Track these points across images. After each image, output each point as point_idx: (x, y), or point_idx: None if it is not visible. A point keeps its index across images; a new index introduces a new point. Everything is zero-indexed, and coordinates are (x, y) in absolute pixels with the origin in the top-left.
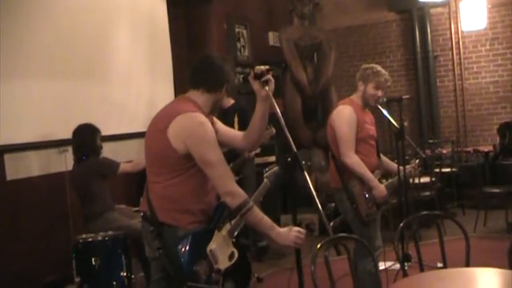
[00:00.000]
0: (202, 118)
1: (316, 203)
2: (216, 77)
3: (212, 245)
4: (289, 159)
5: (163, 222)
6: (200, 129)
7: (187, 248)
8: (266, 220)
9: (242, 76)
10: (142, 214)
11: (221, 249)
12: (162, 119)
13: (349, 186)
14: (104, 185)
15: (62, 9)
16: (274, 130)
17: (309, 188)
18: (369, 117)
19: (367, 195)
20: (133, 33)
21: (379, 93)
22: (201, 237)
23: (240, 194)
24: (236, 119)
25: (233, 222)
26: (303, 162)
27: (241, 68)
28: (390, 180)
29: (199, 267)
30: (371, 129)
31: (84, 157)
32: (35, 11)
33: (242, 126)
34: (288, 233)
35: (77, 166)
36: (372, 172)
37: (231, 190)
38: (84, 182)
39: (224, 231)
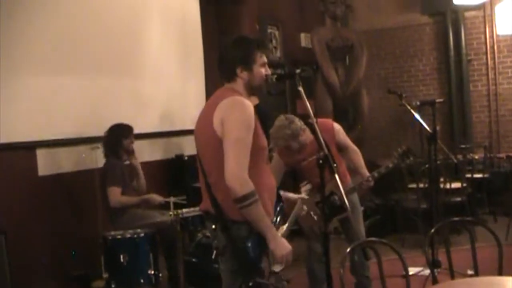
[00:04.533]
0: (243, 100)
1: (345, 206)
2: (225, 66)
3: None
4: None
5: (231, 219)
6: (238, 107)
7: (256, 244)
8: (267, 217)
9: (274, 76)
10: (203, 213)
11: None
12: (207, 112)
13: None
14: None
15: (95, 5)
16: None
17: (339, 190)
18: None
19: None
20: (165, 30)
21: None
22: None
23: (249, 184)
24: None
25: (286, 225)
26: (335, 165)
27: (273, 69)
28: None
29: (264, 264)
30: None
31: (108, 156)
32: (68, 7)
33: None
34: (285, 245)
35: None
36: None
37: (242, 175)
38: (103, 183)
39: (280, 232)
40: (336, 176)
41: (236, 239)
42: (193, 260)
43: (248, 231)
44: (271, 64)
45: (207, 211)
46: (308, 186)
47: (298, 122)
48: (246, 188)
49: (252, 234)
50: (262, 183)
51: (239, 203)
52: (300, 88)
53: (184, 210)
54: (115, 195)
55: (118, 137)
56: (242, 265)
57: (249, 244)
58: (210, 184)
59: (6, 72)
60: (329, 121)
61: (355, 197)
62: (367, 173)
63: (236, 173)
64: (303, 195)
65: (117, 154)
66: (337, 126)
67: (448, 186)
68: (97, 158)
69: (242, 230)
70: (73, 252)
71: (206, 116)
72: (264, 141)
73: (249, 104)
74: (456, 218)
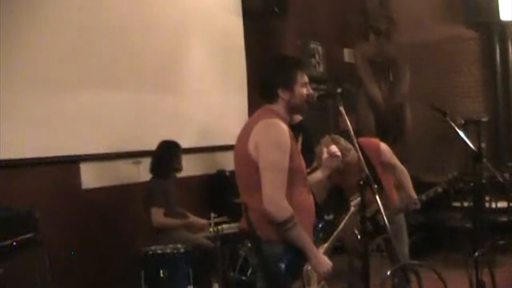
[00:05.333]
0: (277, 122)
1: (387, 226)
2: (266, 88)
3: (309, 265)
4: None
5: (264, 238)
6: (272, 131)
7: (287, 264)
8: (307, 237)
9: (316, 95)
10: (240, 230)
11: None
12: (243, 134)
13: None
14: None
15: (138, 23)
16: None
17: (380, 211)
18: None
19: None
20: (208, 46)
21: None
22: (300, 255)
23: (287, 208)
24: (300, 139)
25: (327, 244)
26: (375, 186)
27: (316, 84)
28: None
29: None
30: None
31: (156, 172)
32: (113, 25)
33: (305, 147)
34: (325, 262)
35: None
36: None
37: (279, 200)
38: (146, 201)
39: (321, 250)
40: (377, 197)
41: (267, 260)
42: (243, 278)
43: (282, 250)
44: (314, 80)
45: (243, 228)
46: (358, 200)
47: (344, 143)
48: (284, 214)
49: (285, 255)
50: (299, 204)
51: (280, 227)
52: (341, 108)
53: (225, 226)
54: (158, 216)
55: (168, 155)
56: (271, 286)
57: (280, 265)
58: (245, 202)
59: (49, 87)
60: (375, 140)
61: (401, 217)
62: (414, 195)
63: (273, 198)
64: (352, 208)
65: (164, 173)
66: (383, 146)
67: (494, 205)
68: (139, 172)
69: (275, 249)
70: (72, 253)
71: (243, 137)
72: (300, 163)
73: (284, 127)
74: (501, 241)
